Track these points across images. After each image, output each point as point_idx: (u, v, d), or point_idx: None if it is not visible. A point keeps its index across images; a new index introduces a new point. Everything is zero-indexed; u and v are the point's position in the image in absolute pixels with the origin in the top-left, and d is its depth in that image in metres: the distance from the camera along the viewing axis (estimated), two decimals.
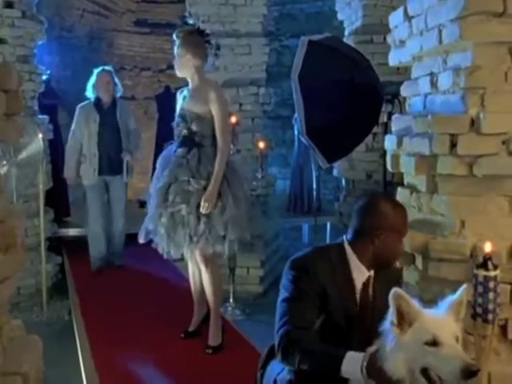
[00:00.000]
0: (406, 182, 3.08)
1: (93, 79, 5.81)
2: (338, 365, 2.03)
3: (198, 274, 4.09)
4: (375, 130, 4.77)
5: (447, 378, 1.84)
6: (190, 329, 4.14)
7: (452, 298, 2.01)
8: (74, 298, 5.23)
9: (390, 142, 3.08)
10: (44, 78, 6.36)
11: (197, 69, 3.91)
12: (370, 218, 2.32)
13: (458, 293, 2.02)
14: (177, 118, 3.98)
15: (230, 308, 5.13)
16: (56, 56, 8.72)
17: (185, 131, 3.89)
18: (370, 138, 5.07)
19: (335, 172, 6.26)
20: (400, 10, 3.08)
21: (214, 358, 3.84)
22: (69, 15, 9.37)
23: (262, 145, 5.54)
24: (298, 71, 4.13)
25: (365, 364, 1.98)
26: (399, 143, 2.94)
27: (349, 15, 5.99)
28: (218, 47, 4.02)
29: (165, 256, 3.93)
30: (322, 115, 4.24)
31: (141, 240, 4.10)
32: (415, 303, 1.97)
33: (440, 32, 2.68)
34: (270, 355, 2.43)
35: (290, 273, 2.30)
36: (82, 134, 5.75)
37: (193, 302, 4.18)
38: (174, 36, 3.93)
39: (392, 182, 4.68)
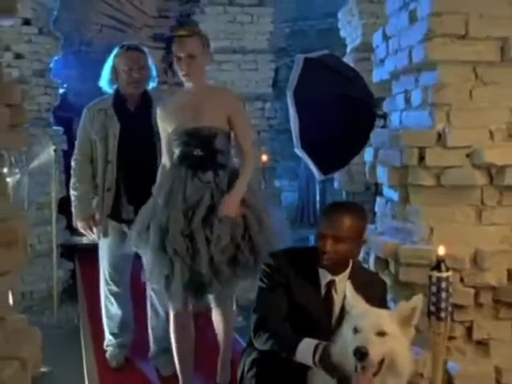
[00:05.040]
0: (383, 193, 3.28)
1: (111, 61, 3.67)
2: (293, 349, 2.30)
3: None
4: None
5: (350, 360, 2.11)
6: None
7: (405, 304, 2.25)
8: (83, 303, 5.40)
9: (368, 154, 3.29)
10: (60, 91, 6.59)
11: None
12: None
13: (413, 300, 2.22)
14: (185, 137, 3.21)
15: None
16: (74, 70, 8.98)
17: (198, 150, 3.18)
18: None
19: (336, 185, 6.42)
20: (380, 31, 3.30)
21: (213, 360, 3.71)
22: (87, 30, 9.68)
23: (264, 158, 5.74)
24: (293, 87, 4.31)
25: (317, 357, 2.23)
26: (375, 155, 3.15)
27: (350, 33, 6.18)
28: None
29: None
30: (317, 129, 4.40)
31: None
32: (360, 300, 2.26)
33: (410, 52, 2.90)
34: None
35: (264, 267, 2.60)
36: (95, 150, 3.69)
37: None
38: (186, 32, 3.15)
39: None
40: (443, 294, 2.26)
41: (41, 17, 5.86)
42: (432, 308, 2.29)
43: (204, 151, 3.15)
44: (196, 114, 3.16)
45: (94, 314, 4.80)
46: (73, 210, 3.74)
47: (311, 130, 4.39)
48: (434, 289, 2.28)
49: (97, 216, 3.71)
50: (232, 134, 3.29)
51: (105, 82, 3.73)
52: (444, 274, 2.27)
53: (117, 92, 3.71)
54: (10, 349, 2.27)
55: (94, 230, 3.72)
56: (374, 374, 2.12)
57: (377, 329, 2.12)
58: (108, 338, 3.99)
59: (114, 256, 3.73)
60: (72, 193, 3.74)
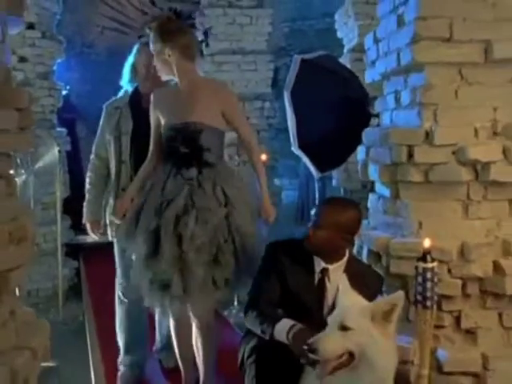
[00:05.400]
0: (376, 189, 3.41)
1: (131, 59, 3.57)
2: (273, 327, 2.45)
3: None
4: None
5: None
6: None
7: (384, 299, 2.36)
8: (88, 300, 5.54)
9: (360, 153, 3.43)
10: (63, 93, 6.70)
11: None
12: None
13: (393, 296, 2.30)
14: (172, 132, 3.07)
15: (234, 311, 5.43)
16: (77, 72, 9.09)
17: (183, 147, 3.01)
18: None
19: (334, 182, 6.52)
20: (371, 34, 3.43)
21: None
22: (89, 32, 9.79)
23: (264, 157, 5.84)
24: (290, 88, 4.44)
25: (291, 334, 2.37)
26: (367, 153, 3.28)
27: (346, 34, 6.26)
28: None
29: None
30: (314, 128, 4.53)
31: None
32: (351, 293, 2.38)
33: (398, 55, 3.03)
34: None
35: (264, 255, 2.77)
36: (110, 150, 3.56)
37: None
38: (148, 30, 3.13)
39: None
40: (429, 284, 2.40)
41: (44, 21, 6.00)
42: (418, 297, 2.43)
43: (189, 148, 2.98)
44: (185, 109, 3.02)
45: (98, 311, 4.93)
46: (83, 209, 3.72)
47: (308, 129, 4.52)
48: (420, 279, 2.42)
49: (107, 220, 3.63)
50: (232, 131, 3.18)
51: (125, 81, 3.62)
52: (429, 265, 2.40)
53: (135, 90, 3.59)
54: (21, 339, 2.39)
55: (108, 231, 3.66)
56: (340, 367, 2.22)
57: (340, 324, 2.24)
58: (121, 354, 3.80)
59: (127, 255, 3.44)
60: (86, 194, 3.72)
